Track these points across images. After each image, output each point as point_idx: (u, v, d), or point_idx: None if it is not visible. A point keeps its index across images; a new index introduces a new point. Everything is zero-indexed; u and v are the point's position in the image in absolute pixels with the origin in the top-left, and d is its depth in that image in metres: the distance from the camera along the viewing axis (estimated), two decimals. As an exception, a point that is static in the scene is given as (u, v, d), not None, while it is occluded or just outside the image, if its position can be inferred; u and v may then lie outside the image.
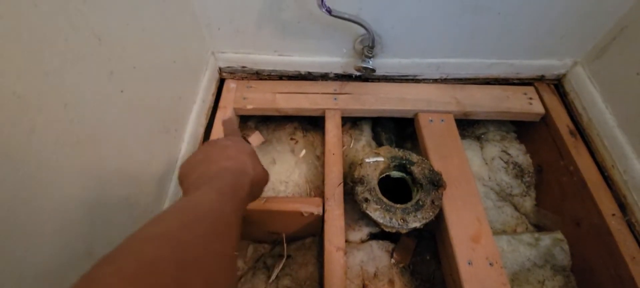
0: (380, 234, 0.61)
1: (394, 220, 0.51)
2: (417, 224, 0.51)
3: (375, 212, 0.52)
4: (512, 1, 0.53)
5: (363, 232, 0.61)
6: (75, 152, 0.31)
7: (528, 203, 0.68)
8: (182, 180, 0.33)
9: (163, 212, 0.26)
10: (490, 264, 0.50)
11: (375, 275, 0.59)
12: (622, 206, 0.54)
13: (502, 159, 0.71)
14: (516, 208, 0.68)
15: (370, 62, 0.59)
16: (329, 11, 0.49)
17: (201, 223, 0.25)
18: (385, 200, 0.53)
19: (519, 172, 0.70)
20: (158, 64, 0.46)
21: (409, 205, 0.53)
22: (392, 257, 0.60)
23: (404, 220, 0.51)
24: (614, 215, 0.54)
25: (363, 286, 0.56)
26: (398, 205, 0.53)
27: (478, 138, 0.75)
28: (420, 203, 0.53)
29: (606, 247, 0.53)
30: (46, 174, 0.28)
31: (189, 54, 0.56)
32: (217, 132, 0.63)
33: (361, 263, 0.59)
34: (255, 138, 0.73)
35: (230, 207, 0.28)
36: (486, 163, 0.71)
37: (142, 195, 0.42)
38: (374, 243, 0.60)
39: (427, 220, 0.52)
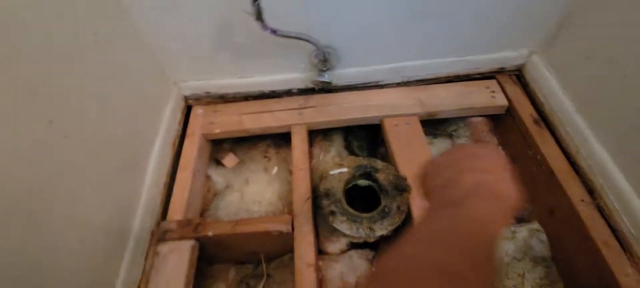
0: (360, 243, 0.61)
1: (360, 230, 0.51)
2: (384, 232, 0.51)
3: (342, 224, 0.52)
4: (454, 3, 0.54)
5: (341, 242, 0.61)
6: (18, 205, 0.32)
7: (505, 195, 0.68)
8: (424, 180, 0.30)
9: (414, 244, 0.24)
10: (461, 264, 0.49)
11: (356, 284, 0.58)
12: (591, 191, 0.54)
13: (473, 154, 0.71)
14: (494, 202, 0.68)
15: (326, 76, 0.60)
16: (274, 32, 0.50)
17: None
18: (351, 210, 0.53)
19: (491, 166, 0.70)
20: (110, 103, 0.47)
21: (374, 213, 0.53)
22: (372, 265, 0.59)
23: (371, 229, 0.51)
24: (583, 200, 0.54)
25: (343, 298, 0.56)
26: (364, 215, 0.53)
27: (450, 135, 0.75)
28: (386, 210, 0.53)
29: (579, 234, 0.53)
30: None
31: (146, 88, 0.57)
32: (187, 160, 0.63)
33: (341, 275, 0.58)
34: (230, 159, 0.74)
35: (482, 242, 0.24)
36: (459, 160, 0.71)
37: (100, 237, 0.42)
38: (353, 253, 0.60)
39: (394, 226, 0.52)
